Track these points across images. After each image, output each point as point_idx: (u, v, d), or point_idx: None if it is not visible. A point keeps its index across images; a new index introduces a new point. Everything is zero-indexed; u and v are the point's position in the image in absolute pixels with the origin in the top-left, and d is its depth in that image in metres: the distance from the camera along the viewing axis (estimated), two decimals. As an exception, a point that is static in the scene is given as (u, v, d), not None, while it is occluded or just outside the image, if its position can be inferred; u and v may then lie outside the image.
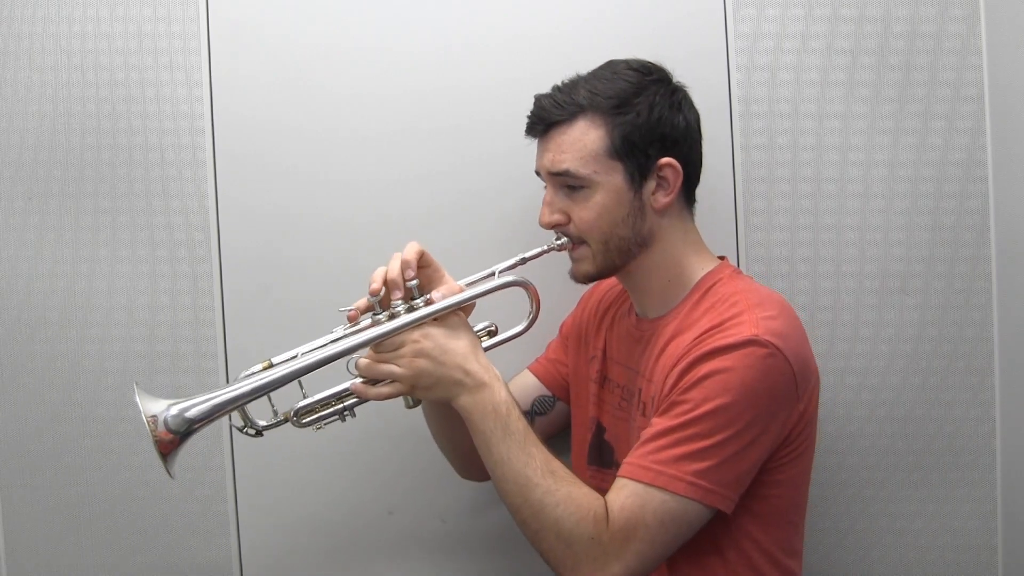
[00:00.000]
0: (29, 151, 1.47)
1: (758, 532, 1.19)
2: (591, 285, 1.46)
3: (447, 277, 1.26)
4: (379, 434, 1.48)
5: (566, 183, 1.24)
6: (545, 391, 1.45)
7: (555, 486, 1.12)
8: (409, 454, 1.51)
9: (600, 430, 1.36)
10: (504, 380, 1.19)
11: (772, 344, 1.12)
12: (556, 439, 1.44)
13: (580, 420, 1.41)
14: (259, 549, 1.52)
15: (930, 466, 1.54)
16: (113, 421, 1.49)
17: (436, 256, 1.26)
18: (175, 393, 1.48)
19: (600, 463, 1.35)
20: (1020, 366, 1.51)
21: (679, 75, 1.28)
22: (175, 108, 1.48)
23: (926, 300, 1.53)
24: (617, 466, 1.29)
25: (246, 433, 1.23)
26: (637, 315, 1.33)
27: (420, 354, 1.17)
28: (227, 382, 1.49)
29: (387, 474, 1.53)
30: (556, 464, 1.15)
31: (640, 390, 1.26)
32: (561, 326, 1.50)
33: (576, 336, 1.45)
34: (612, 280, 1.43)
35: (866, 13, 1.50)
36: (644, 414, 1.23)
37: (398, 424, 1.43)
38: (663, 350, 1.22)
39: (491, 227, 1.51)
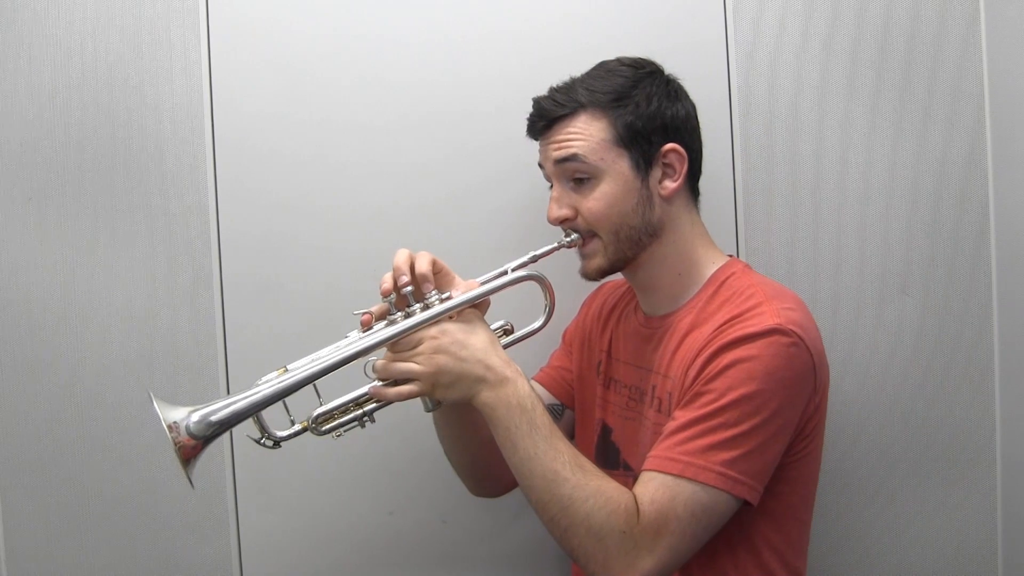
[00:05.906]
0: (29, 151, 1.47)
1: (770, 530, 1.19)
2: (592, 289, 1.46)
3: (458, 280, 1.24)
4: (380, 434, 1.47)
5: (573, 174, 1.23)
6: (553, 399, 1.44)
7: (584, 480, 1.09)
8: (410, 454, 1.51)
9: (606, 432, 1.35)
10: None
11: (795, 333, 1.11)
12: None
13: (585, 423, 1.41)
14: (259, 549, 1.52)
15: (930, 466, 1.54)
16: (113, 421, 1.49)
17: (444, 251, 1.24)
18: (175, 393, 1.49)
19: (605, 464, 1.34)
20: (1020, 366, 1.51)
21: (679, 75, 1.29)
22: (174, 107, 1.48)
23: (926, 300, 1.53)
24: (624, 466, 1.29)
25: (263, 445, 1.19)
26: (645, 313, 1.32)
27: (439, 350, 1.14)
28: (227, 382, 1.49)
29: (388, 474, 1.53)
30: (583, 459, 1.12)
31: (654, 387, 1.25)
32: (563, 333, 1.49)
33: (580, 340, 1.44)
34: (614, 283, 1.42)
35: (866, 13, 1.50)
36: (660, 410, 1.22)
37: (399, 424, 1.43)
38: (680, 344, 1.21)
39: (499, 223, 1.50)
